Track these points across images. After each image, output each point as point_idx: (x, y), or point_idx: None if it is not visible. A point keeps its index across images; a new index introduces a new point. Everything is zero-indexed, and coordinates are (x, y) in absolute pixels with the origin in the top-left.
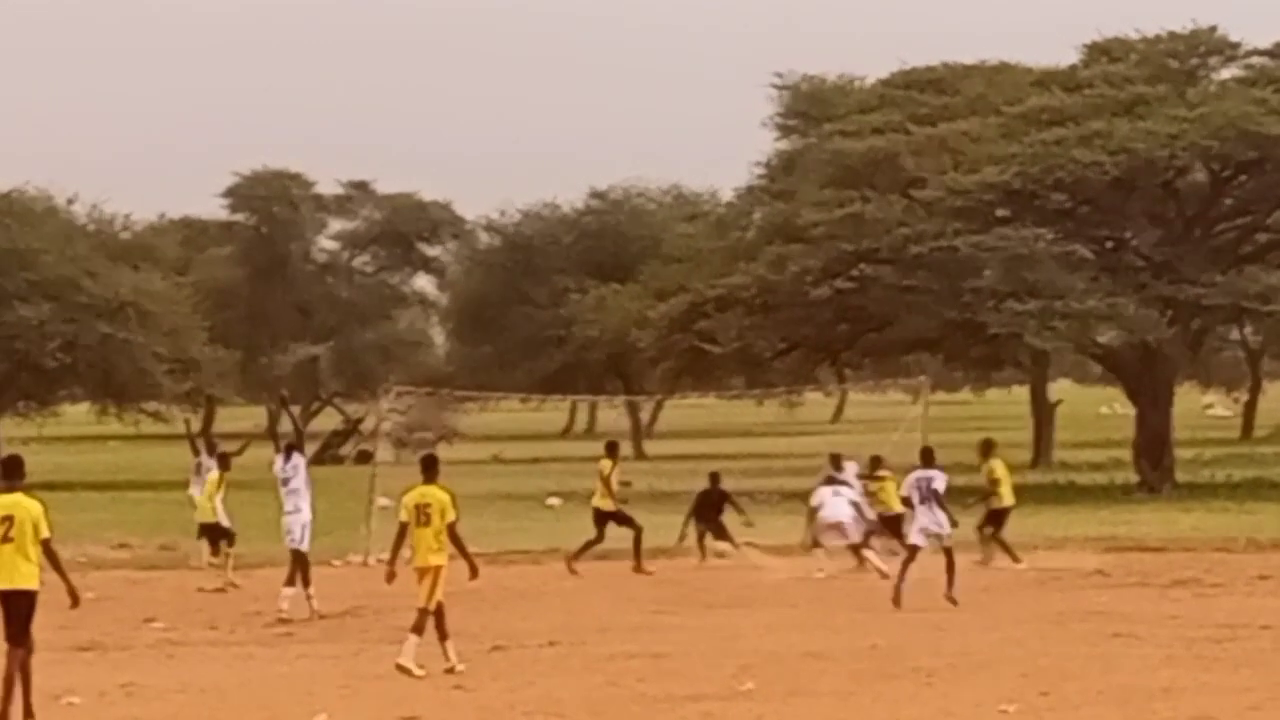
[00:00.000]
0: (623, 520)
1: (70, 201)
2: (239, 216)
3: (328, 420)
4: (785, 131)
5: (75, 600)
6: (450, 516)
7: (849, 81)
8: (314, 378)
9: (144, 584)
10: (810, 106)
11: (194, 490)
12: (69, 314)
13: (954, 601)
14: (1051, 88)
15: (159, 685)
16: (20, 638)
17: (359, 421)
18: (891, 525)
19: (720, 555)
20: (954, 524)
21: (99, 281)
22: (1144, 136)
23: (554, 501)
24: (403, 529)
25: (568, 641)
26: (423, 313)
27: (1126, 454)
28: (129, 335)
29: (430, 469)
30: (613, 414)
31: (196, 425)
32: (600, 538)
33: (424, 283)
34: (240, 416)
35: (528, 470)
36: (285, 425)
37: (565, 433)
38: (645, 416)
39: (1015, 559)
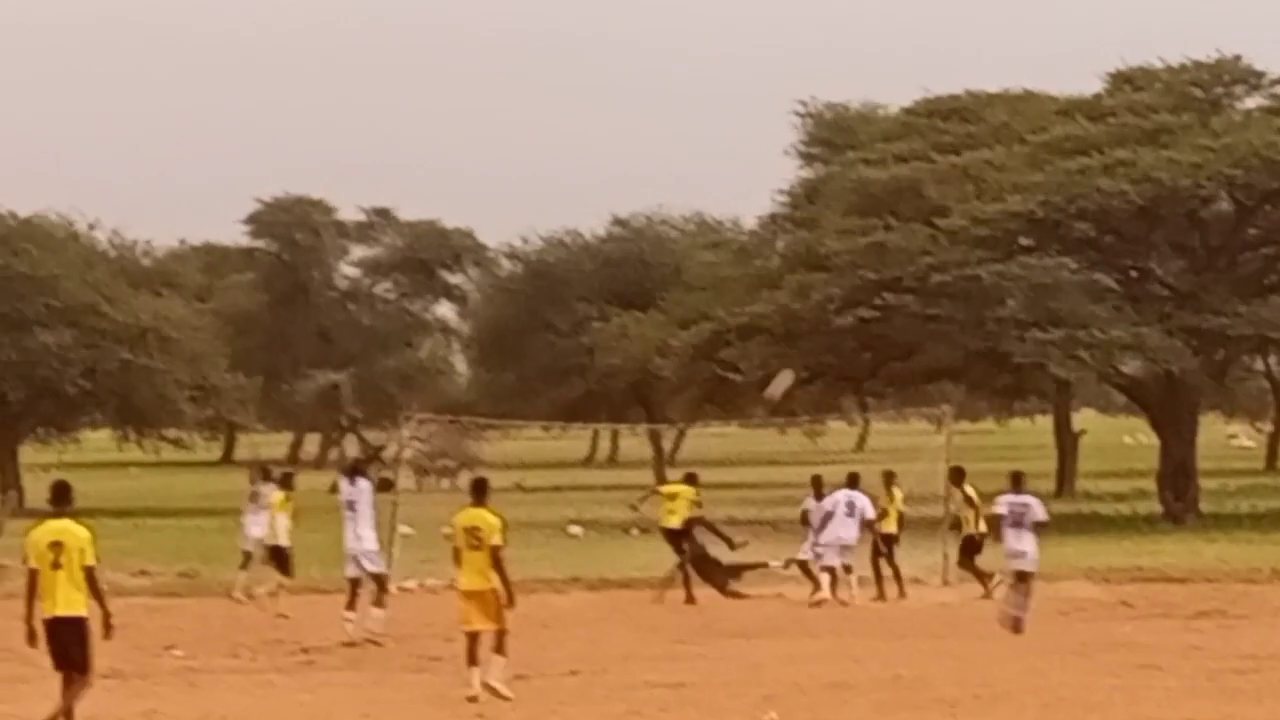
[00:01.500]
0: (680, 546)
1: (91, 227)
2: (260, 243)
3: (348, 448)
4: (808, 159)
5: (108, 631)
6: (496, 541)
7: (872, 109)
8: (335, 404)
9: (164, 611)
10: (833, 134)
11: (248, 518)
12: (90, 340)
13: (1018, 626)
14: (1076, 116)
15: (180, 713)
16: (82, 665)
17: (380, 449)
18: (887, 543)
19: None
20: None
21: (120, 308)
22: (1168, 166)
23: (576, 530)
24: (457, 554)
25: (589, 671)
26: (444, 340)
27: (1150, 484)
28: (150, 361)
29: (480, 492)
30: (634, 442)
31: (219, 451)
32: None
33: (445, 310)
34: (261, 443)
35: (549, 499)
36: (309, 450)
37: (587, 461)
38: (667, 445)
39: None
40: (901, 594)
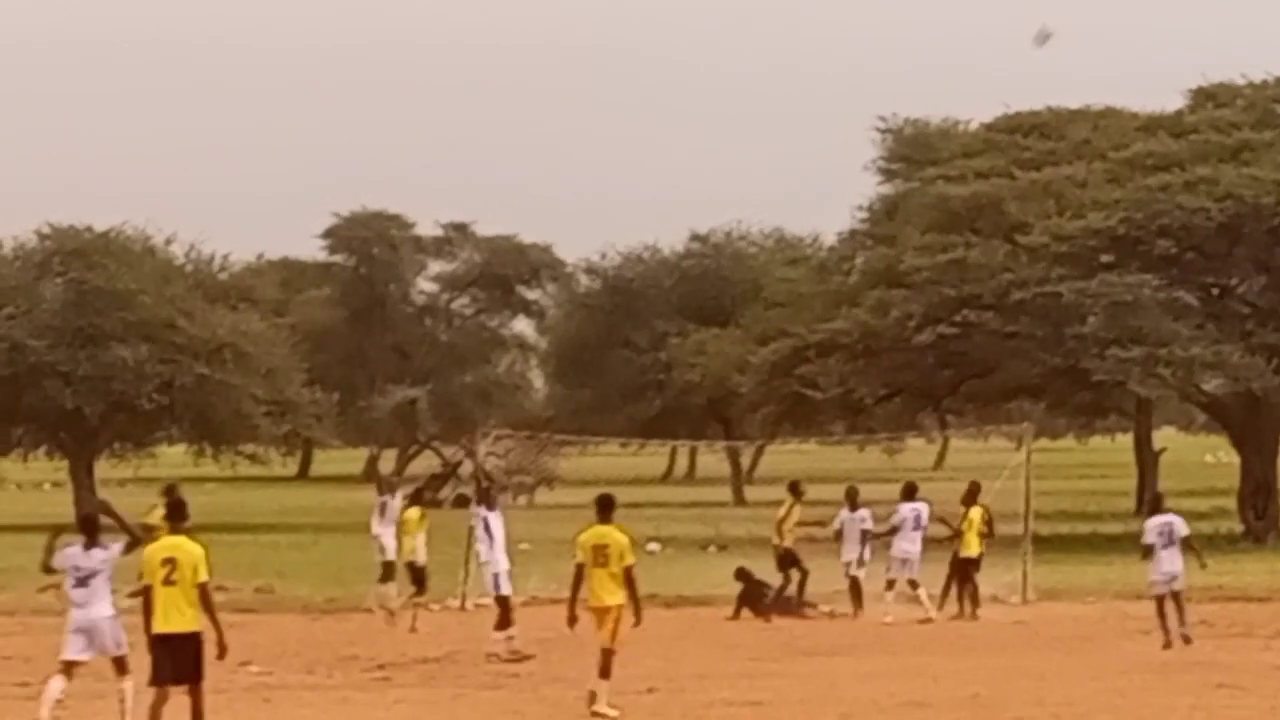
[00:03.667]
0: (790, 563)
1: (168, 241)
2: (338, 257)
3: (425, 463)
4: (888, 175)
5: (223, 651)
6: (629, 560)
7: (953, 125)
8: (412, 420)
9: (240, 626)
10: (913, 150)
11: (377, 530)
12: (166, 355)
13: (1188, 640)
14: (1157, 133)
15: None
16: (194, 675)
17: (457, 465)
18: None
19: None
20: (1202, 565)
21: (196, 322)
22: (1250, 182)
23: (654, 547)
24: (579, 570)
25: (666, 689)
26: (522, 356)
27: (1231, 503)
28: (226, 377)
29: (607, 510)
30: (712, 459)
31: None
32: (804, 574)
33: (523, 326)
34: (337, 459)
35: (627, 515)
36: (385, 468)
37: (665, 478)
38: (745, 462)
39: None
40: (974, 615)
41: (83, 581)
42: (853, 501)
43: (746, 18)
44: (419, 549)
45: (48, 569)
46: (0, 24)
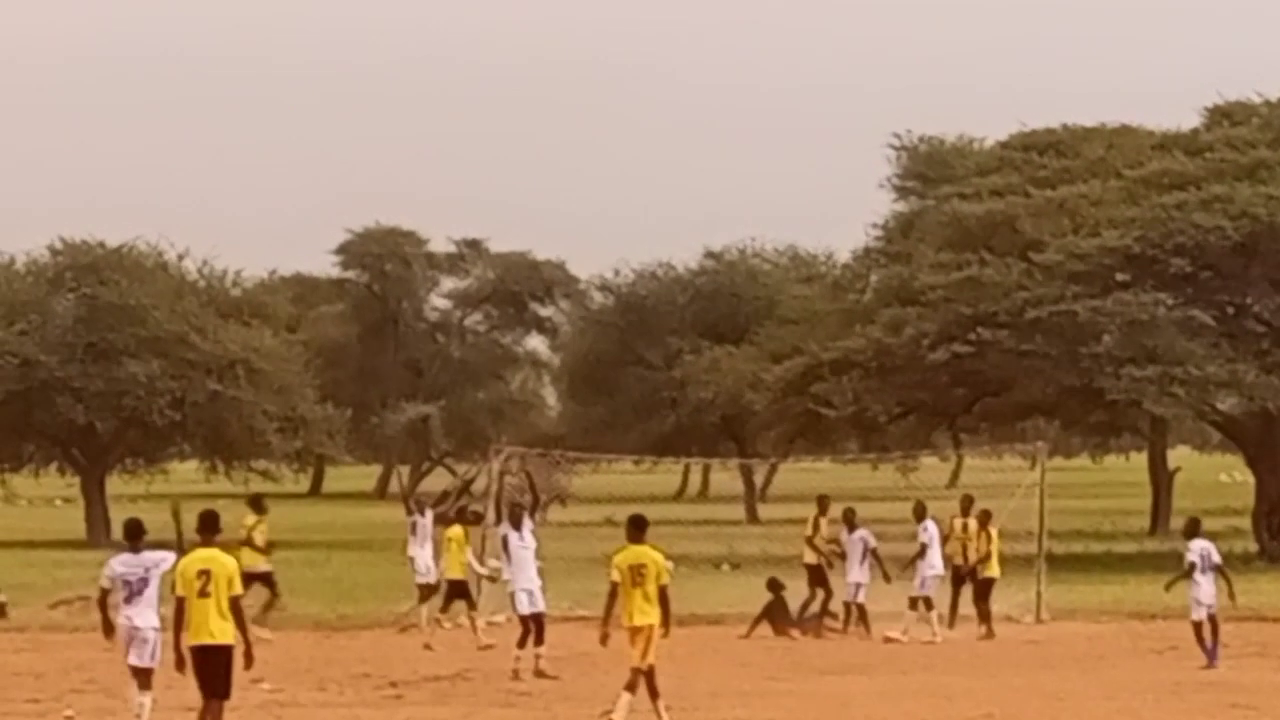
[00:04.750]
0: (818, 581)
1: (181, 257)
2: (350, 274)
3: (438, 480)
4: (903, 193)
5: (249, 662)
6: (665, 579)
7: (967, 143)
8: (425, 437)
9: (251, 644)
10: (928, 168)
11: (413, 551)
12: (178, 371)
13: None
14: (1173, 151)
15: None
16: (222, 690)
17: (470, 482)
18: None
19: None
20: (1231, 597)
21: (209, 338)
22: (1266, 201)
23: (666, 565)
24: (614, 589)
25: (679, 707)
26: (535, 373)
27: (1246, 522)
28: (238, 393)
29: (641, 530)
30: (725, 477)
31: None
32: (828, 593)
33: (536, 343)
34: (350, 476)
35: None
36: (397, 485)
37: (678, 496)
38: (759, 480)
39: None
40: (990, 634)
41: (137, 590)
42: (850, 523)
43: (759, 35)
44: (471, 564)
45: (105, 594)
46: (11, 38)
